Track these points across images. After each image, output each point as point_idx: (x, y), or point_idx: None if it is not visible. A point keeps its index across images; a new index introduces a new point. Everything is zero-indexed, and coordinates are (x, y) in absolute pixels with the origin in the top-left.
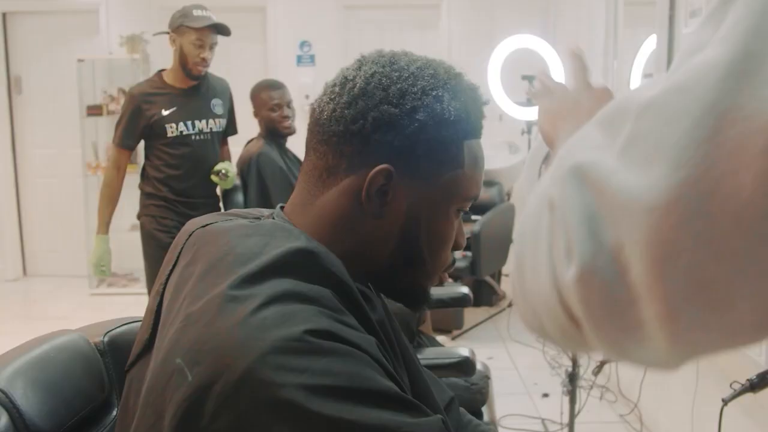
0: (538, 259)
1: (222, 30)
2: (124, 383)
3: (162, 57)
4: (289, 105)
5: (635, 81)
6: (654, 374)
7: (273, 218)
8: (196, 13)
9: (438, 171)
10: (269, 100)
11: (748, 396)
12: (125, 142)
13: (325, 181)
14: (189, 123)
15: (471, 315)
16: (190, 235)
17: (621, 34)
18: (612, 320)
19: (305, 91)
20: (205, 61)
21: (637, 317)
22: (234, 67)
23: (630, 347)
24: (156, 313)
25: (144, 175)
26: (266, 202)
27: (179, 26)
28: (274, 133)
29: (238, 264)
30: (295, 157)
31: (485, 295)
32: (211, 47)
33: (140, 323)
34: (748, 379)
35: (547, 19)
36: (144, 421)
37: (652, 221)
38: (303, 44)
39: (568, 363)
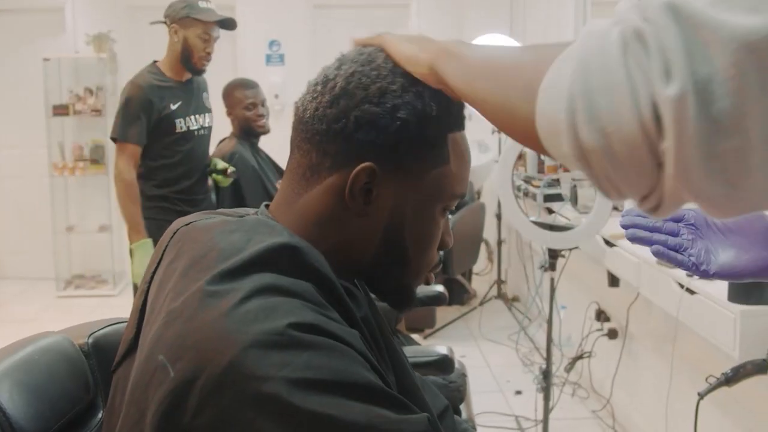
0: (614, 85)
1: (229, 24)
2: (110, 384)
3: (131, 56)
4: (263, 104)
5: None
6: (626, 371)
7: (257, 216)
8: (202, 5)
9: (423, 168)
10: (244, 98)
11: (722, 391)
12: (140, 138)
13: (309, 179)
14: (193, 118)
15: (443, 314)
16: (174, 234)
17: None
18: (700, 143)
19: (275, 90)
20: (209, 56)
21: (718, 147)
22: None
23: (707, 176)
24: (140, 311)
25: (142, 175)
26: (239, 202)
27: (184, 17)
28: (248, 132)
29: (221, 259)
30: (267, 156)
31: (457, 293)
32: (215, 41)
33: (125, 324)
34: (723, 373)
35: (516, 18)
36: (128, 419)
37: (752, 57)
38: (272, 43)
39: (541, 360)
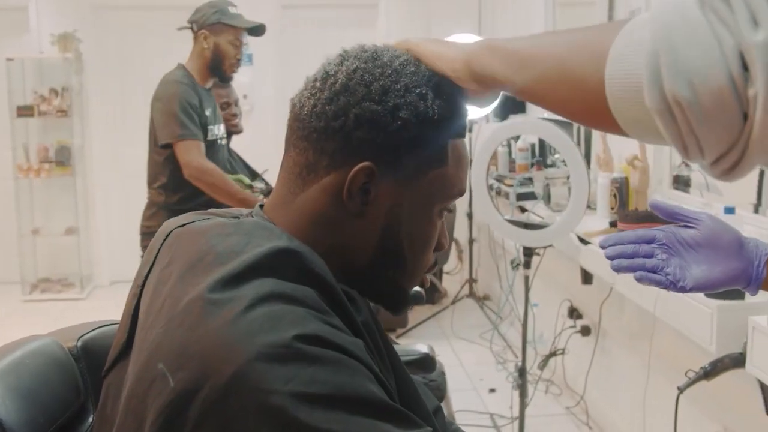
0: (698, 39)
1: (259, 30)
2: (100, 389)
3: (97, 56)
4: (236, 103)
5: None
6: (599, 367)
7: (252, 216)
8: (233, 10)
9: (421, 169)
10: (218, 97)
11: (697, 385)
12: (200, 134)
13: (305, 178)
14: (216, 127)
15: (415, 313)
16: (167, 236)
17: None
18: None
19: (243, 90)
20: (239, 63)
21: None
22: (170, 67)
23: None
24: (133, 316)
25: (167, 186)
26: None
27: (215, 23)
28: None
29: (218, 263)
30: (238, 156)
31: (428, 293)
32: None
33: (114, 327)
34: (701, 368)
35: (484, 18)
36: (125, 428)
37: None
38: None
39: (514, 358)
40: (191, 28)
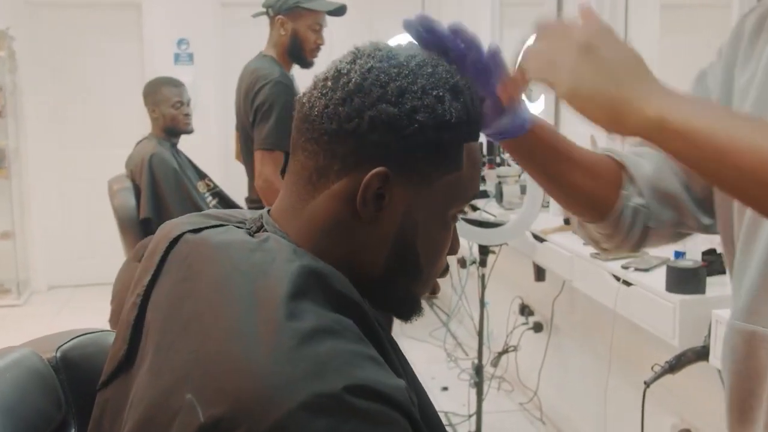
0: None
1: (340, 11)
2: (81, 401)
3: (30, 54)
4: (188, 103)
5: None
6: (552, 363)
7: (262, 224)
8: None
9: (436, 174)
10: (172, 96)
11: (660, 381)
12: (286, 142)
13: (316, 183)
14: None
15: None
16: (172, 241)
17: (506, 33)
18: None
19: None
20: (320, 48)
21: None
22: (108, 66)
23: None
24: (133, 327)
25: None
26: (159, 205)
27: (293, 7)
28: (172, 131)
29: (245, 284)
30: (186, 158)
31: None
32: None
33: (92, 335)
34: (667, 362)
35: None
36: None
37: None
38: (181, 42)
39: (464, 356)
40: (267, 14)
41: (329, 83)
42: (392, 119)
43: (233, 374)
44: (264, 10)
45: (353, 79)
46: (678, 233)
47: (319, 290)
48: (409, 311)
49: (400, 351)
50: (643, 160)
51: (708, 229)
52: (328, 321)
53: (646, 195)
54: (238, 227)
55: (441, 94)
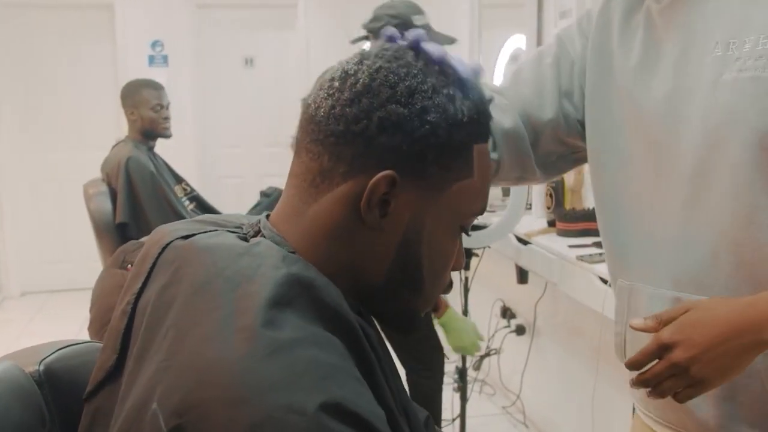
0: None
1: (449, 42)
2: (64, 416)
3: (1, 56)
4: (167, 107)
5: (498, 76)
6: (534, 366)
7: (259, 228)
8: (419, 20)
9: (446, 180)
10: (152, 99)
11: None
12: None
13: (319, 186)
14: None
15: None
16: (164, 248)
17: (485, 34)
18: None
19: None
20: None
21: None
22: (81, 68)
23: None
24: (123, 336)
25: None
26: (136, 209)
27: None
28: (150, 134)
29: (228, 290)
30: (163, 161)
31: None
32: None
33: (76, 347)
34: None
35: None
36: None
37: None
38: (155, 44)
39: (445, 359)
40: (367, 38)
41: (336, 84)
42: (402, 120)
43: (200, 384)
44: (365, 34)
45: (361, 80)
46: (520, 180)
47: (305, 300)
48: (407, 325)
49: (391, 363)
50: (502, 114)
51: (543, 180)
52: (308, 333)
53: (500, 148)
54: (232, 231)
55: (452, 92)
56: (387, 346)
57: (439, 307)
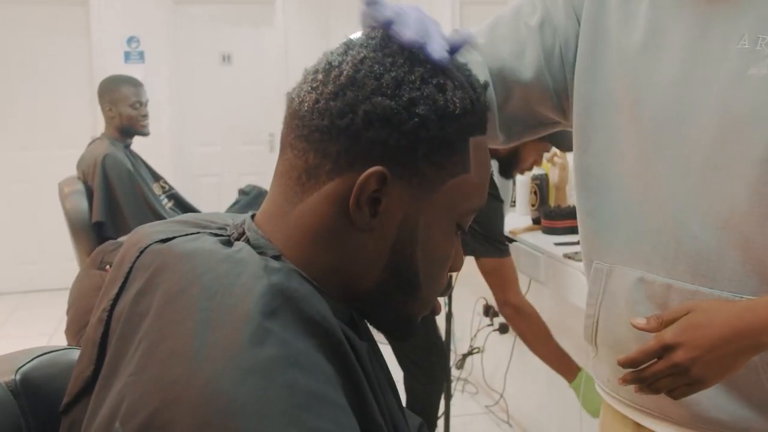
0: None
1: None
2: (48, 428)
3: None
4: (146, 104)
5: None
6: (518, 364)
7: (243, 230)
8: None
9: (440, 176)
10: (131, 96)
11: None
12: None
13: (305, 184)
14: None
15: None
16: (141, 251)
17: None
18: None
19: None
20: None
21: None
22: (55, 64)
23: None
24: (100, 345)
25: None
26: (113, 207)
27: None
28: (128, 132)
29: (204, 300)
30: (140, 159)
31: None
32: None
33: (53, 354)
34: None
35: None
36: None
37: None
38: (131, 40)
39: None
40: None
41: (320, 76)
42: (389, 113)
43: (164, 403)
44: None
45: (345, 71)
46: None
47: (287, 313)
48: (402, 332)
49: (386, 375)
50: (475, 70)
51: (502, 144)
52: (290, 351)
53: None
54: (215, 234)
55: (442, 81)
56: (382, 355)
57: (569, 371)
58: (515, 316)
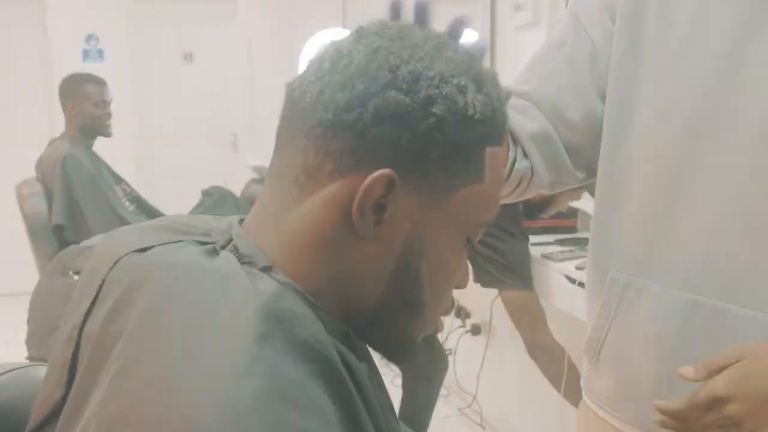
0: None
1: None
2: None
3: None
4: (110, 104)
5: None
6: (491, 366)
7: (231, 237)
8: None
9: (452, 183)
10: (95, 94)
11: None
12: None
13: (303, 186)
14: None
15: None
16: (116, 262)
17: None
18: None
19: None
20: None
21: None
22: (10, 61)
23: None
24: (70, 367)
25: None
26: (74, 210)
27: None
28: (90, 131)
29: (186, 320)
30: (102, 160)
31: None
32: None
33: (14, 372)
34: None
35: (350, 12)
36: None
37: None
38: (89, 38)
39: None
40: None
41: (326, 65)
42: (402, 110)
43: None
44: None
45: (356, 61)
46: (557, 185)
47: (278, 337)
48: (402, 354)
49: (384, 395)
50: (526, 118)
51: (583, 181)
52: (281, 384)
53: (531, 155)
54: (200, 242)
55: (463, 83)
56: (380, 375)
57: None
58: (547, 359)
